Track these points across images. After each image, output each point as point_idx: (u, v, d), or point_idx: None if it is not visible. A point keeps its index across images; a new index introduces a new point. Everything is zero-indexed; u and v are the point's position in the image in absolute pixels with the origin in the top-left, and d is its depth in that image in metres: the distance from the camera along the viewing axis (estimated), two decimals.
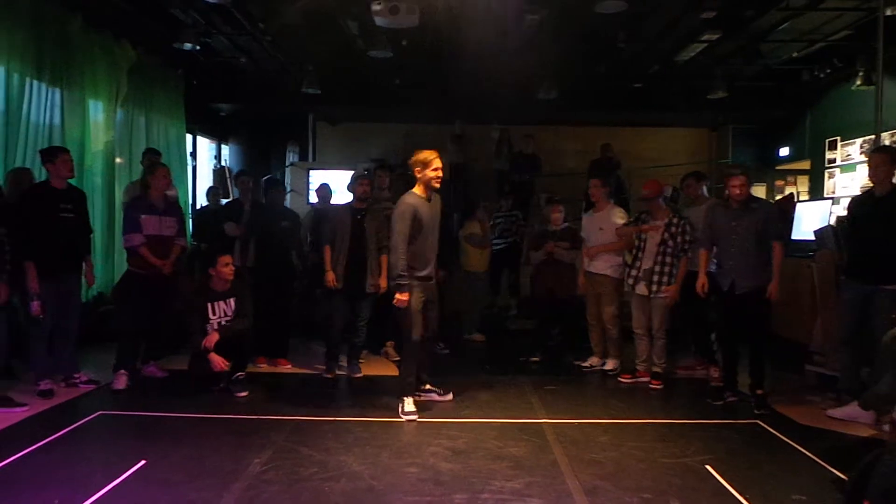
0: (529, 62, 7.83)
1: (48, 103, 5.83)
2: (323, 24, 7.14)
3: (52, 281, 4.39)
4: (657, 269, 5.02)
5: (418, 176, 4.33)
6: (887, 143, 7.03)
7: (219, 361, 4.52)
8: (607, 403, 4.71)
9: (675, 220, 5.05)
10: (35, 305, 4.28)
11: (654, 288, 5.03)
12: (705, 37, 7.26)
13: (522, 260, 6.85)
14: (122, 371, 4.75)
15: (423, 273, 4.36)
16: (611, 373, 5.47)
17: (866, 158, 5.18)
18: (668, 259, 5.02)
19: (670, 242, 5.01)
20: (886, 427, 3.83)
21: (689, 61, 8.02)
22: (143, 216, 4.83)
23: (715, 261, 4.79)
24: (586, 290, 5.63)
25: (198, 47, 7.37)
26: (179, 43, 7.21)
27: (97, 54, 6.46)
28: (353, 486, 3.15)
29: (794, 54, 7.98)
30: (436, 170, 4.31)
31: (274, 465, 3.36)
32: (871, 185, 4.48)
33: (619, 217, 5.51)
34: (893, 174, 4.27)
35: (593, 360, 5.69)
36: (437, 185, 4.35)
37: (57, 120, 5.94)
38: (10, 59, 5.24)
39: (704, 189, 5.56)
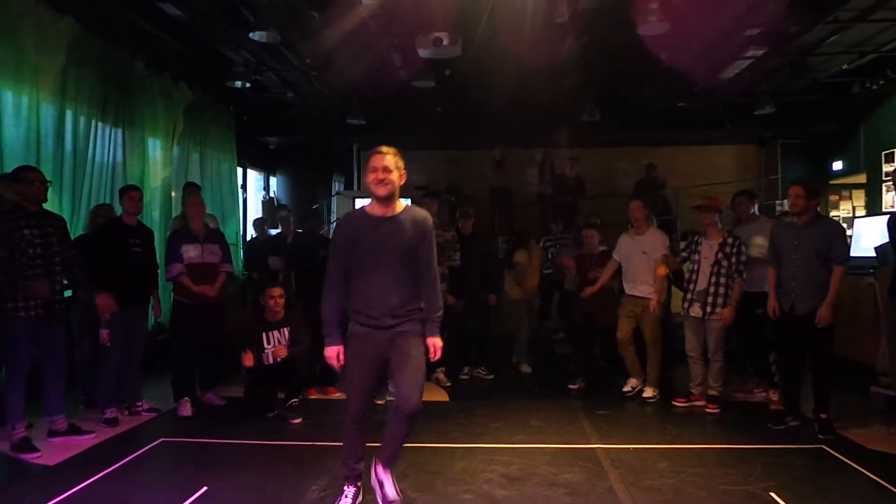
0: (572, 85, 7.88)
1: (111, 143, 6.16)
2: (366, 57, 7.36)
3: (120, 312, 4.59)
4: (711, 290, 4.91)
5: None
6: None
7: (247, 359, 4.63)
8: (663, 428, 4.61)
9: (729, 241, 4.95)
10: (104, 333, 4.49)
11: (709, 310, 4.92)
12: (750, 53, 7.18)
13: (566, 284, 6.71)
14: (186, 398, 4.90)
15: (371, 317, 3.03)
16: (650, 399, 5.30)
17: None
18: (721, 280, 4.91)
19: (724, 263, 4.90)
20: None
21: (734, 77, 7.92)
22: (183, 245, 4.95)
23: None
24: (623, 312, 5.44)
25: (248, 84, 7.71)
26: (231, 81, 7.56)
27: (156, 95, 6.80)
28: None
29: (844, 66, 7.81)
30: (373, 171, 2.98)
31: (331, 491, 3.40)
32: None
33: (663, 245, 5.35)
34: None
35: (633, 383, 5.50)
36: (380, 193, 2.98)
37: (119, 158, 6.27)
38: (77, 103, 5.57)
39: (755, 208, 5.44)
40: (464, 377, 6.16)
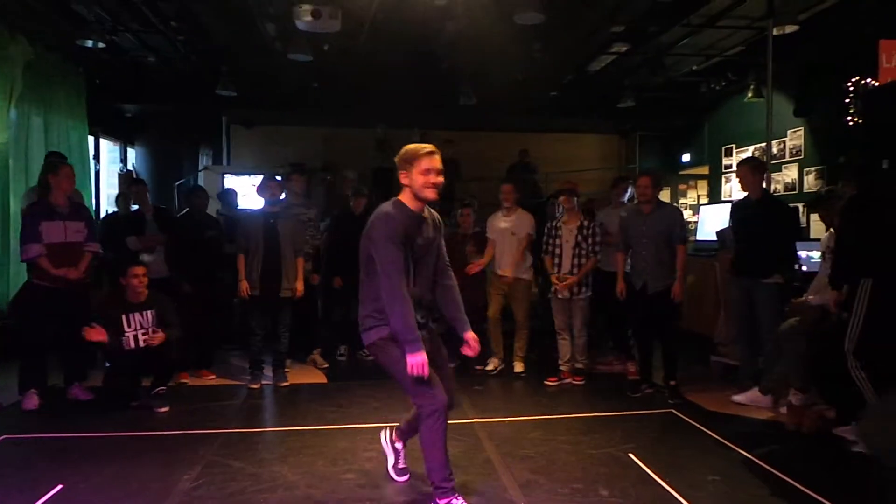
0: (450, 68, 7.96)
1: None
2: (239, 24, 6.95)
3: None
4: (574, 271, 5.23)
5: (404, 182, 2.96)
6: (775, 150, 7.70)
7: (94, 333, 4.26)
8: (535, 401, 4.88)
9: (585, 223, 5.29)
10: None
11: (575, 290, 5.25)
12: (615, 49, 7.68)
13: None
14: (32, 390, 4.43)
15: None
16: (521, 374, 5.55)
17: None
18: (582, 261, 5.23)
19: (583, 244, 5.24)
20: (784, 409, 4.23)
21: (600, 71, 8.42)
22: (43, 223, 4.44)
23: (629, 262, 5.08)
24: (494, 290, 5.66)
25: (102, 45, 6.99)
26: (82, 40, 6.81)
27: None
28: (290, 495, 3.11)
29: (694, 67, 8.56)
30: (426, 172, 2.87)
31: (205, 480, 3.25)
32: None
33: (529, 225, 5.62)
34: (761, 182, 4.72)
35: (495, 363, 5.71)
36: (430, 197, 2.91)
37: None
38: None
39: (626, 195, 5.87)
40: (340, 357, 6.11)
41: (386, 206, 2.94)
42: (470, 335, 3.08)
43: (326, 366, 5.79)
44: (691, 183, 10.78)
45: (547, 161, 10.52)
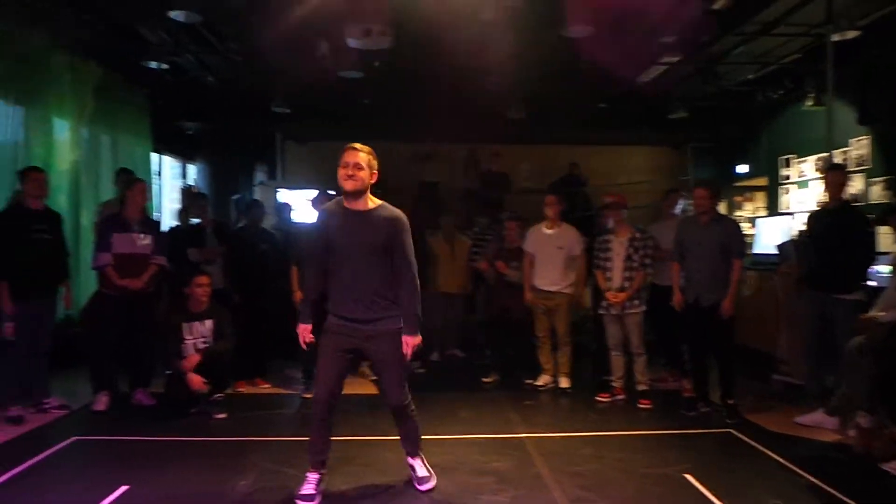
0: (498, 82, 8.00)
1: (11, 122, 5.70)
2: (293, 44, 7.17)
3: (27, 303, 4.28)
4: (626, 285, 5.13)
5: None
6: (838, 160, 7.41)
7: (197, 381, 4.46)
8: (585, 417, 4.81)
9: (637, 236, 5.18)
10: (8, 327, 4.17)
11: (626, 304, 5.13)
12: (665, 59, 7.56)
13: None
14: (104, 392, 4.65)
15: (343, 311, 3.14)
16: (568, 390, 5.48)
17: (821, 175, 5.46)
18: (634, 275, 5.12)
19: (635, 257, 5.14)
20: (851, 432, 4.03)
21: (650, 82, 8.31)
22: (115, 234, 4.71)
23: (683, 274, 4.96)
24: (535, 304, 5.57)
25: (165, 66, 7.33)
26: (146, 62, 7.16)
27: (63, 72, 6.35)
28: None
29: (749, 76, 8.35)
30: (344, 166, 3.08)
31: (260, 486, 3.34)
32: (827, 200, 4.73)
33: (577, 242, 5.53)
34: (845, 189, 4.54)
35: (545, 379, 5.64)
36: (348, 188, 3.08)
37: (21, 138, 5.81)
38: None
39: (679, 207, 5.75)
40: None
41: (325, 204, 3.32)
42: (407, 339, 3.15)
43: (375, 378, 5.84)
44: (747, 195, 10.45)
45: (597, 174, 10.41)
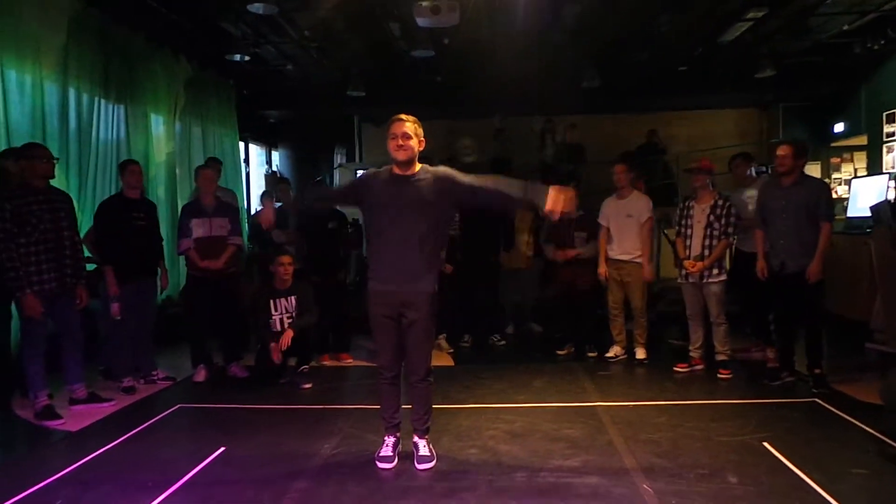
0: (571, 51, 7.86)
1: (115, 120, 6.22)
2: (366, 28, 7.34)
3: (130, 285, 4.72)
4: (706, 253, 4.97)
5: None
6: None
7: (276, 351, 4.73)
8: (662, 387, 4.75)
9: (720, 202, 4.98)
10: (115, 307, 4.62)
11: (706, 273, 4.99)
12: (750, 15, 7.14)
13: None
14: (200, 365, 5.09)
15: (384, 275, 3.23)
16: (644, 361, 5.41)
17: None
18: (715, 242, 4.94)
19: (716, 225, 4.96)
20: None
21: (734, 41, 7.88)
22: (193, 220, 5.02)
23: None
24: (609, 277, 5.49)
25: (247, 58, 7.72)
26: (230, 55, 7.57)
27: (157, 70, 6.83)
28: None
29: (845, 27, 7.75)
30: (393, 137, 3.16)
31: (343, 449, 3.56)
32: None
33: (647, 209, 5.40)
34: None
35: (616, 350, 5.57)
36: (399, 158, 3.16)
37: (123, 135, 6.33)
38: (80, 80, 5.61)
39: (753, 170, 5.50)
40: (464, 343, 6.28)
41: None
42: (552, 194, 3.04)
43: (451, 350, 6.01)
44: (846, 155, 9.74)
45: (678, 140, 10.04)
